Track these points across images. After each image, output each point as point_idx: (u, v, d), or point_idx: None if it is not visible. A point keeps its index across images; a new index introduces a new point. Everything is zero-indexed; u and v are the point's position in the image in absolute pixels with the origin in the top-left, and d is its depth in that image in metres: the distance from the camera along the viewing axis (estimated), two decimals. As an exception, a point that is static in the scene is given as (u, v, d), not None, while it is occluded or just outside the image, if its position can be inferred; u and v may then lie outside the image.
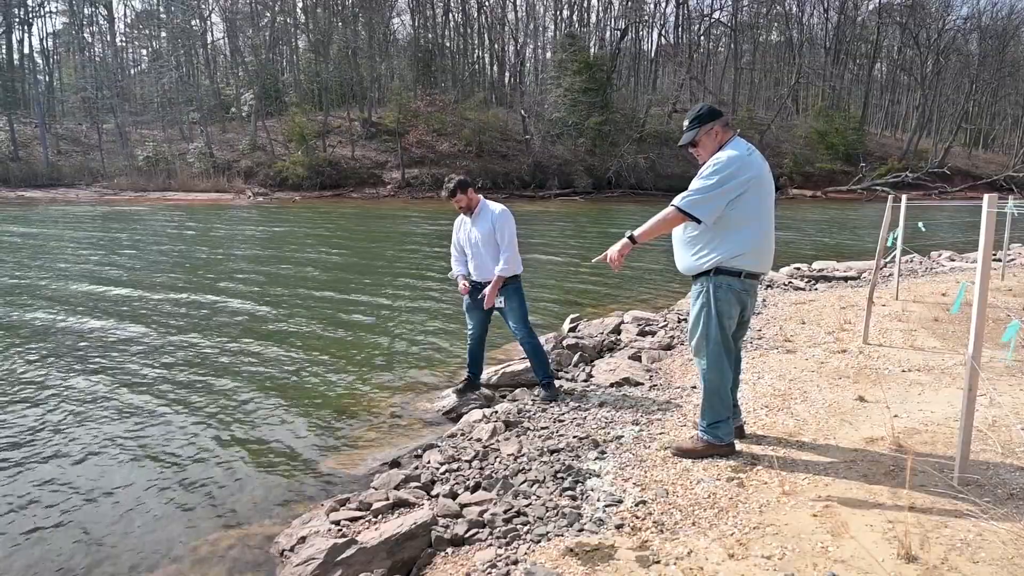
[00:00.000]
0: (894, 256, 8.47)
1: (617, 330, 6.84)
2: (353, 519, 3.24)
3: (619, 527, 2.87)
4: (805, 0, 58.44)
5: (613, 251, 3.35)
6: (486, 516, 3.10)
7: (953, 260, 12.51)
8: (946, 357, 5.32)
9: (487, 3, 53.37)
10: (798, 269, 11.36)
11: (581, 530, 2.89)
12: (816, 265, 11.84)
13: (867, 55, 58.91)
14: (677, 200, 3.24)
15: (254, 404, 5.21)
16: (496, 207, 4.78)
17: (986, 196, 2.86)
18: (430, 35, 53.21)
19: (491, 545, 2.87)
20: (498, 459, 3.77)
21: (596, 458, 3.65)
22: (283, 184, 36.92)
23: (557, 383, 5.04)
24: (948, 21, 57.53)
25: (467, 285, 4.88)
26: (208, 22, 50.20)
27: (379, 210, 28.74)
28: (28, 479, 3.96)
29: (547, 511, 3.09)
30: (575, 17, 54.99)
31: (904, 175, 44.56)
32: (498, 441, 4.04)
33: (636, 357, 5.80)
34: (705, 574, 2.47)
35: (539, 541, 2.84)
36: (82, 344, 6.83)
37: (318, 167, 37.81)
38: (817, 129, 49.81)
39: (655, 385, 5.01)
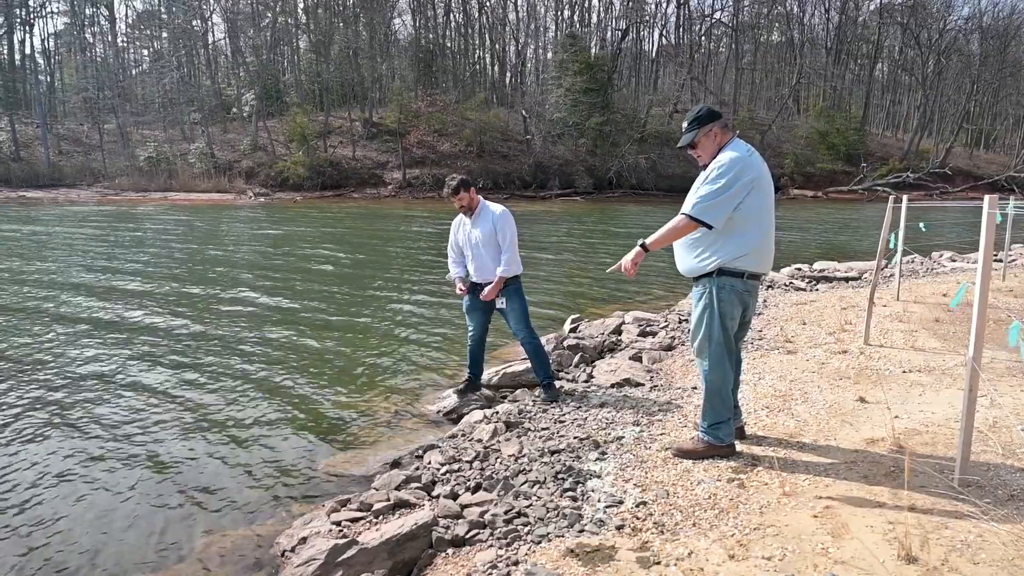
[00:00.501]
0: (896, 257, 8.47)
1: (618, 331, 6.84)
2: (354, 520, 3.24)
3: (620, 528, 2.88)
4: (806, 0, 58.49)
5: (627, 260, 3.39)
6: (487, 517, 3.10)
7: (954, 261, 12.50)
8: (947, 358, 5.32)
9: (488, 3, 53.41)
10: (799, 270, 11.35)
11: (582, 531, 2.89)
12: (817, 265, 11.84)
13: (868, 55, 58.86)
14: (687, 208, 3.25)
15: (255, 404, 5.22)
16: (497, 208, 4.78)
17: (987, 197, 2.87)
18: (431, 35, 53.25)
19: (492, 546, 2.87)
20: (499, 460, 3.77)
21: (597, 459, 3.66)
22: (284, 184, 36.96)
23: (558, 384, 5.05)
24: (949, 21, 57.53)
25: (464, 288, 4.89)
26: (209, 22, 50.34)
27: (381, 210, 28.77)
28: (28, 479, 3.96)
29: (548, 512, 3.09)
30: (576, 17, 55.05)
31: (905, 175, 44.51)
32: (499, 442, 4.04)
33: (637, 358, 5.80)
34: (705, 575, 2.47)
35: (540, 542, 2.84)
36: (84, 339, 6.84)
37: (319, 167, 37.85)
38: (818, 129, 49.77)
39: (656, 386, 5.01)
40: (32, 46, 52.90)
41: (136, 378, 5.80)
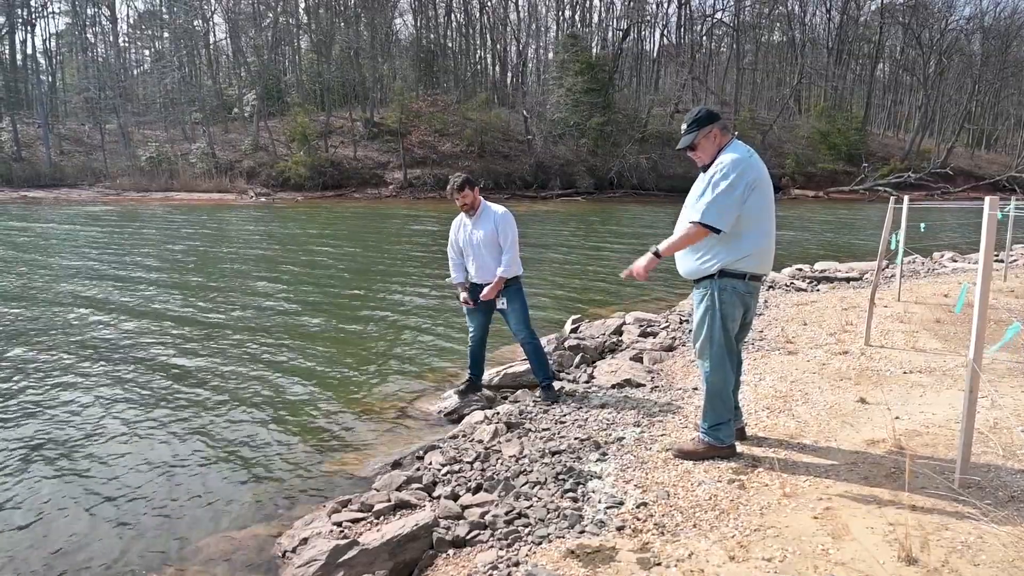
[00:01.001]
0: (898, 257, 8.46)
1: (619, 331, 6.84)
2: (355, 520, 3.25)
3: (620, 529, 2.88)
4: (807, 0, 58.44)
5: (640, 266, 3.41)
6: (487, 518, 3.10)
7: (955, 261, 12.49)
8: (947, 359, 5.32)
9: (489, 3, 53.43)
10: (800, 270, 11.34)
11: (582, 532, 2.90)
12: (818, 266, 11.83)
13: (869, 55, 58.80)
14: (696, 216, 3.26)
15: (256, 405, 5.23)
16: (498, 209, 4.79)
17: (987, 198, 2.87)
18: (432, 35, 53.27)
19: (492, 547, 2.87)
20: (499, 460, 3.78)
21: (597, 460, 3.66)
22: (285, 184, 36.99)
23: (558, 384, 5.05)
24: (951, 21, 57.51)
25: (468, 297, 4.90)
26: (210, 23, 50.36)
27: (382, 210, 28.76)
28: (29, 479, 3.97)
29: (548, 513, 3.09)
30: (577, 17, 55.04)
31: (906, 175, 44.51)
32: (499, 442, 4.04)
33: (638, 358, 5.80)
34: (706, 576, 2.47)
35: (540, 543, 2.84)
36: (89, 341, 6.85)
37: (320, 167, 37.88)
38: (819, 129, 49.76)
39: (656, 386, 5.01)
40: (34, 46, 52.74)
41: (136, 378, 5.81)
